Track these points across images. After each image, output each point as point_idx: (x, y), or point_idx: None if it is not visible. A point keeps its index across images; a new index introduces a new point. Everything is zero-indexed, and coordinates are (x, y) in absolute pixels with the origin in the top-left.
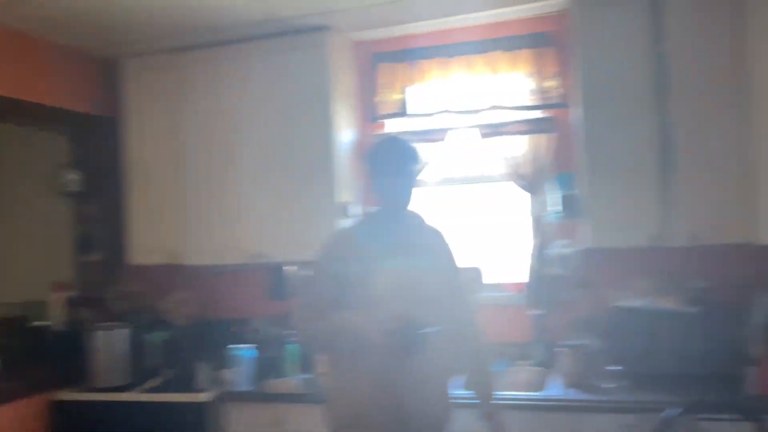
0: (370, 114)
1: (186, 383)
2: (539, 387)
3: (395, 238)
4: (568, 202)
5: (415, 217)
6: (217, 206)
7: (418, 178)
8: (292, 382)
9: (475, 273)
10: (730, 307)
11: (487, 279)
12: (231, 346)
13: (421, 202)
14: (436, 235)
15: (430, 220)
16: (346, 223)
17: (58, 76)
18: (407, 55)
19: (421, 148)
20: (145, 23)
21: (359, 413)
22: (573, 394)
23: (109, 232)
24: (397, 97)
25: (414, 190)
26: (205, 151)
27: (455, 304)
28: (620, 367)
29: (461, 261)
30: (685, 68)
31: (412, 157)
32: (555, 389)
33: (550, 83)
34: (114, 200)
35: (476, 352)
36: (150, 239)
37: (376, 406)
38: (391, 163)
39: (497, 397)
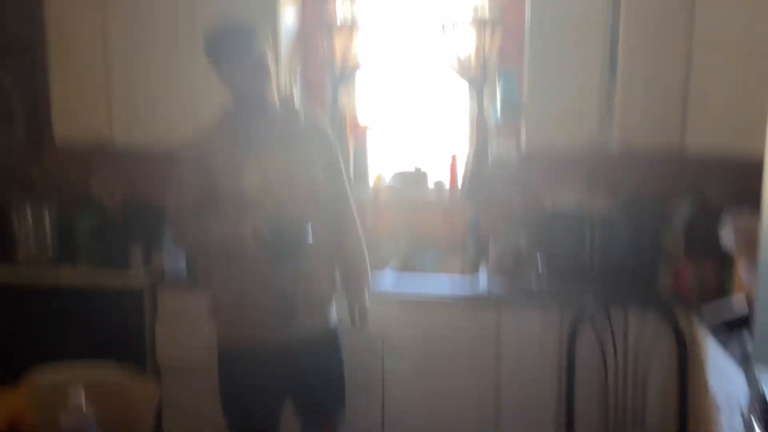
0: None
1: (118, 268)
2: (470, 284)
3: (257, 131)
4: (510, 103)
5: (286, 106)
6: (151, 83)
7: (270, 61)
8: None
9: (420, 175)
10: (653, 209)
11: (430, 180)
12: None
13: (365, 98)
14: (312, 125)
15: (304, 110)
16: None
17: None
18: None
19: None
20: None
21: (244, 317)
22: (501, 290)
23: (30, 107)
24: None
25: (267, 74)
26: (139, 22)
27: (333, 197)
28: (546, 265)
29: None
30: None
31: (248, 38)
32: (483, 285)
33: None
34: (34, 72)
35: (352, 245)
36: (76, 116)
37: (261, 308)
38: (226, 48)
39: (369, 292)
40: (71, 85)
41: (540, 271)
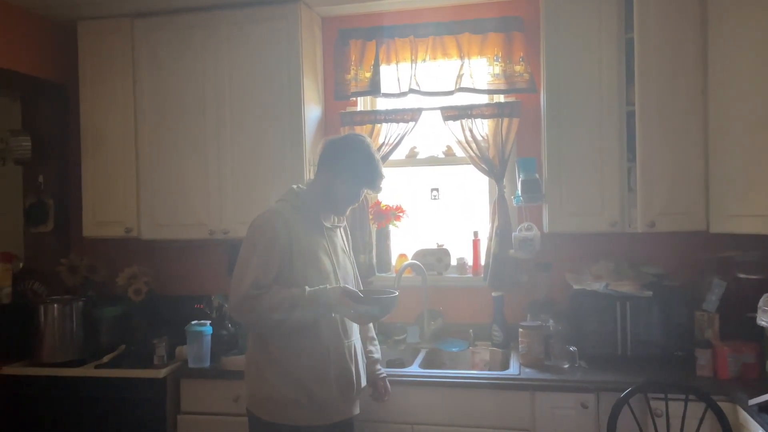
0: (338, 92)
1: (141, 359)
2: (498, 366)
3: (329, 224)
4: (530, 186)
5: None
6: (176, 180)
7: None
8: None
9: (444, 254)
10: (684, 291)
11: (453, 257)
12: (189, 322)
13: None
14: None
15: None
16: None
17: (9, 37)
18: (376, 33)
19: (391, 128)
20: None
21: (307, 389)
22: (530, 374)
23: (61, 203)
24: (366, 75)
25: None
26: (165, 121)
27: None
28: (576, 348)
29: None
30: (650, 58)
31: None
32: (513, 368)
33: (517, 67)
34: (67, 170)
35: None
36: (104, 211)
37: (324, 381)
38: (378, 184)
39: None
40: (101, 179)
41: (571, 356)
